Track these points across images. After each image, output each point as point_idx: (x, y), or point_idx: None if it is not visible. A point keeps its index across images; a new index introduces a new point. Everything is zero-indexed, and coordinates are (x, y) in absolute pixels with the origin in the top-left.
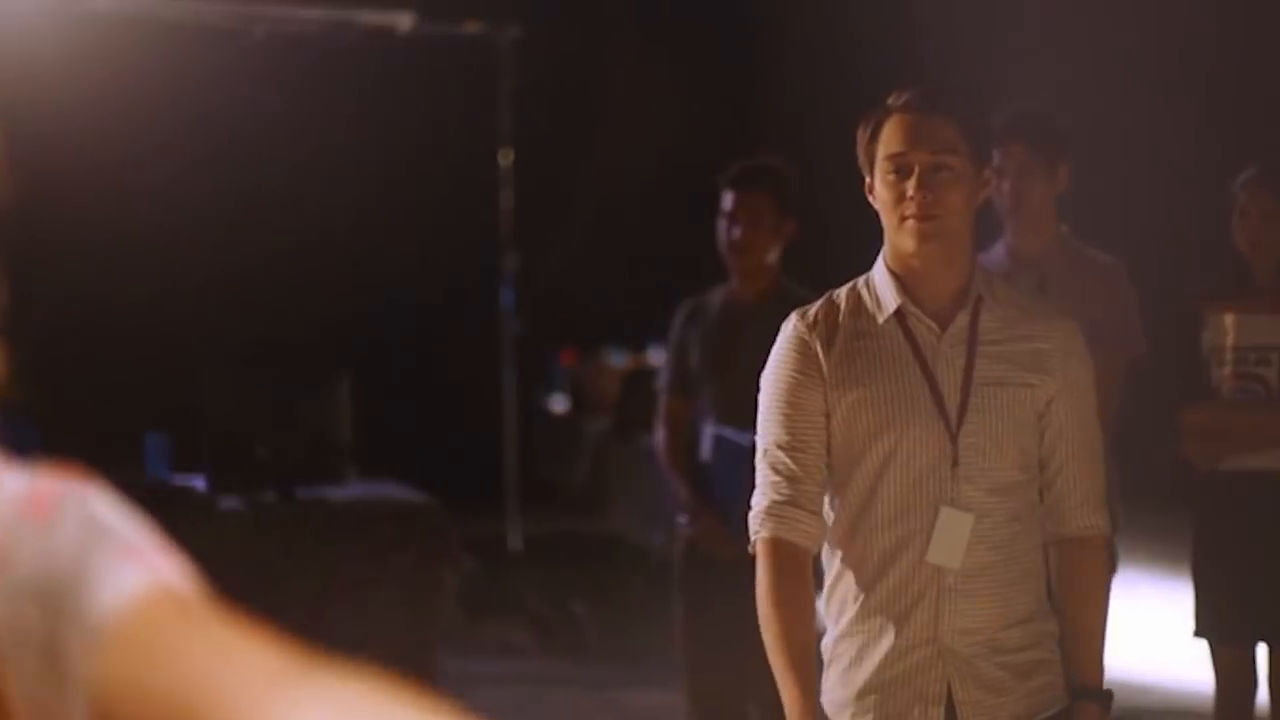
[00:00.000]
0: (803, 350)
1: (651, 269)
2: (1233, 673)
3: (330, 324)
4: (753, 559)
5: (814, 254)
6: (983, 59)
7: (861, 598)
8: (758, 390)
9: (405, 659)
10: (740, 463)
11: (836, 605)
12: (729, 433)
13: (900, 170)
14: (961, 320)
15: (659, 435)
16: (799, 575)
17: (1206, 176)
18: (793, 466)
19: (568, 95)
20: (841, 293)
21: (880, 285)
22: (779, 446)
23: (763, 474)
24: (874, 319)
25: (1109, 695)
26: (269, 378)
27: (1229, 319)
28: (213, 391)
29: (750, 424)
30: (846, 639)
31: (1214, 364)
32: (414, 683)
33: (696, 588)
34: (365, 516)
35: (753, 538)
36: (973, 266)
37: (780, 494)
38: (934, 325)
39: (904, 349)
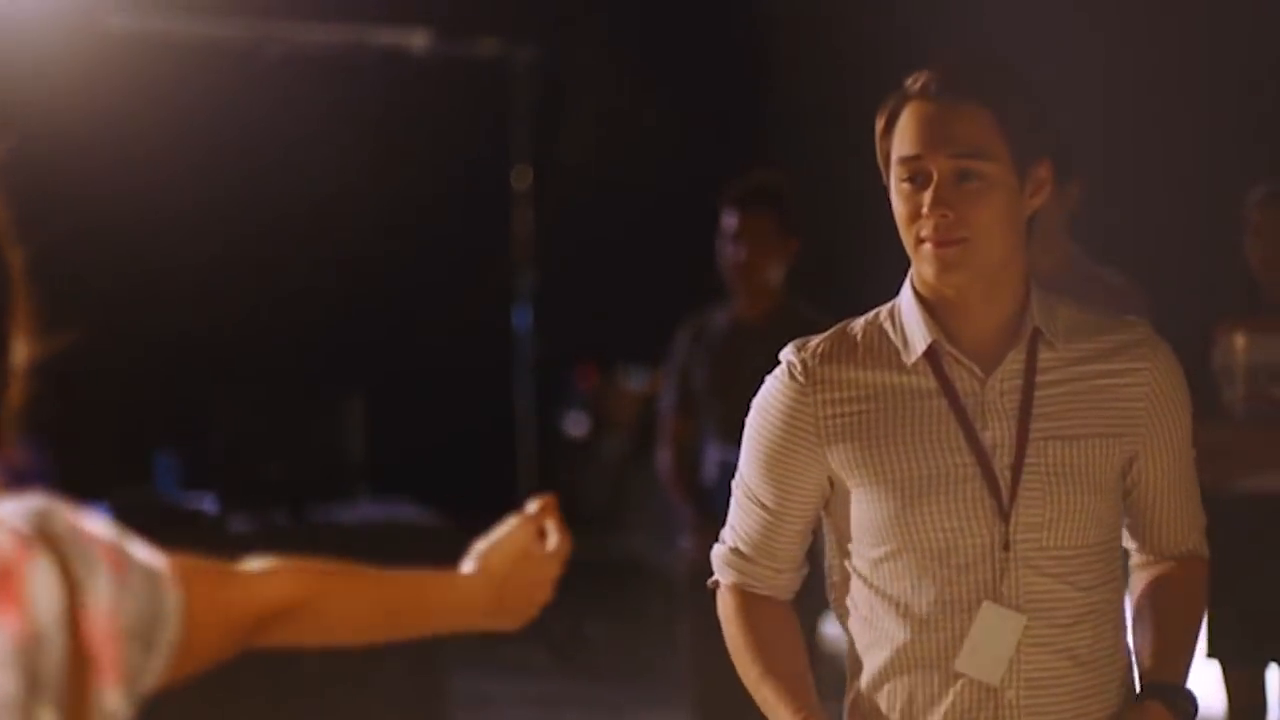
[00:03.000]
0: (793, 402)
1: (672, 287)
2: (1245, 694)
3: (343, 342)
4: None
5: (820, 273)
6: None
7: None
8: None
9: (418, 679)
10: None
11: None
12: (734, 456)
13: (915, 178)
14: (1014, 360)
15: (663, 456)
16: (773, 610)
17: (1216, 193)
18: (757, 534)
19: (584, 113)
20: (859, 324)
21: (908, 317)
22: (752, 500)
23: (733, 511)
24: (898, 361)
25: (1190, 699)
26: (280, 397)
27: (1240, 338)
28: (223, 410)
29: None
30: None
31: (1225, 384)
32: (427, 704)
33: (703, 609)
34: (377, 537)
35: (715, 575)
36: (1026, 292)
37: (748, 547)
38: (976, 368)
39: (937, 401)
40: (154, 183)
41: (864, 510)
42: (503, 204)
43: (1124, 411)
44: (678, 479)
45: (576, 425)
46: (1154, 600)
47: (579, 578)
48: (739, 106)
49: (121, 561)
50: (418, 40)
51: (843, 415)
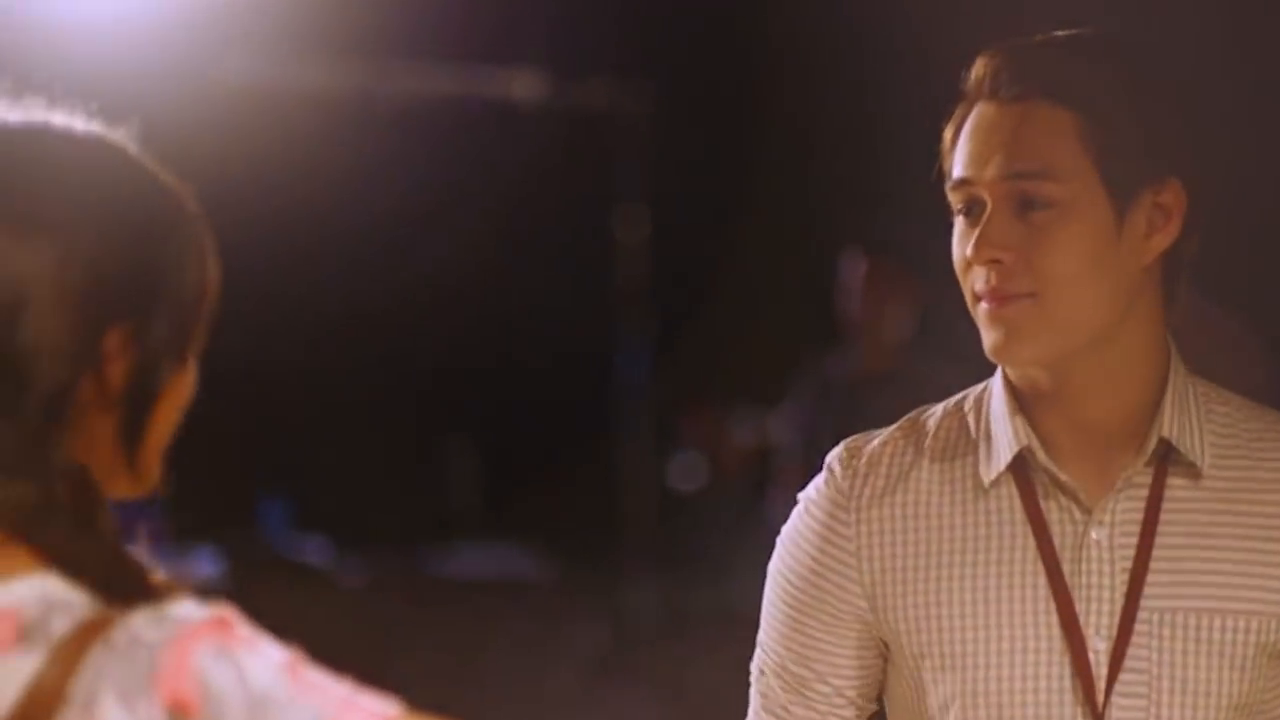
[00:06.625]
0: (827, 524)
1: (784, 333)
2: None
3: (454, 390)
4: None
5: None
6: None
7: None
8: None
9: None
10: None
11: None
12: None
13: (970, 210)
14: (1131, 485)
15: (784, 502)
16: None
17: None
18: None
19: (702, 158)
20: (937, 413)
21: (995, 408)
22: (776, 673)
23: (751, 711)
24: (975, 474)
25: None
26: (388, 443)
27: None
28: (330, 455)
29: None
30: None
31: None
32: None
33: None
34: (482, 587)
35: None
36: (1159, 380)
37: None
38: (1079, 492)
39: (1021, 540)
40: (261, 232)
41: (908, 690)
42: (613, 248)
43: None
44: None
45: (687, 474)
46: None
47: (690, 629)
48: (854, 149)
49: (188, 706)
50: (527, 86)
51: (893, 550)
